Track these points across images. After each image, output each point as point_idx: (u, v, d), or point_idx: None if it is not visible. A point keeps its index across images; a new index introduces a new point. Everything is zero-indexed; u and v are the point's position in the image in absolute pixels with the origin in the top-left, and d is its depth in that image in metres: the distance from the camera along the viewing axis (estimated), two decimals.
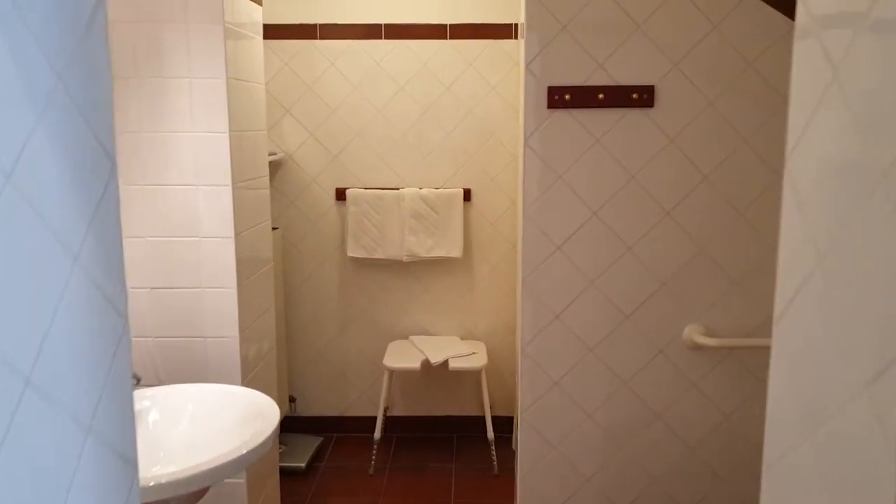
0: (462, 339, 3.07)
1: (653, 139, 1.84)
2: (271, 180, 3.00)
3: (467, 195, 2.98)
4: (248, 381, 1.96)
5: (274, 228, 2.94)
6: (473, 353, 2.87)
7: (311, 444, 3.06)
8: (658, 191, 1.86)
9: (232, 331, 1.89)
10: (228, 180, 1.83)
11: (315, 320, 3.11)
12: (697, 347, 1.93)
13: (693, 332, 1.92)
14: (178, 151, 1.83)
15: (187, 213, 1.85)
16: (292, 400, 3.15)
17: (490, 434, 2.82)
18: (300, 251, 3.06)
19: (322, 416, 3.18)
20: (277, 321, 2.90)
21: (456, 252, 2.95)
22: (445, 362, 2.79)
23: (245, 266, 1.95)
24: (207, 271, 1.87)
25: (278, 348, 2.94)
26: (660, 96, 1.82)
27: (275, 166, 2.99)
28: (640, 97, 1.82)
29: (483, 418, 2.92)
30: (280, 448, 2.95)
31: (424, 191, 2.93)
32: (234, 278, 1.87)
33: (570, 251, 1.88)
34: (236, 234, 1.88)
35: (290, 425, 3.15)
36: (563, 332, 1.92)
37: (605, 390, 1.95)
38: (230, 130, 1.83)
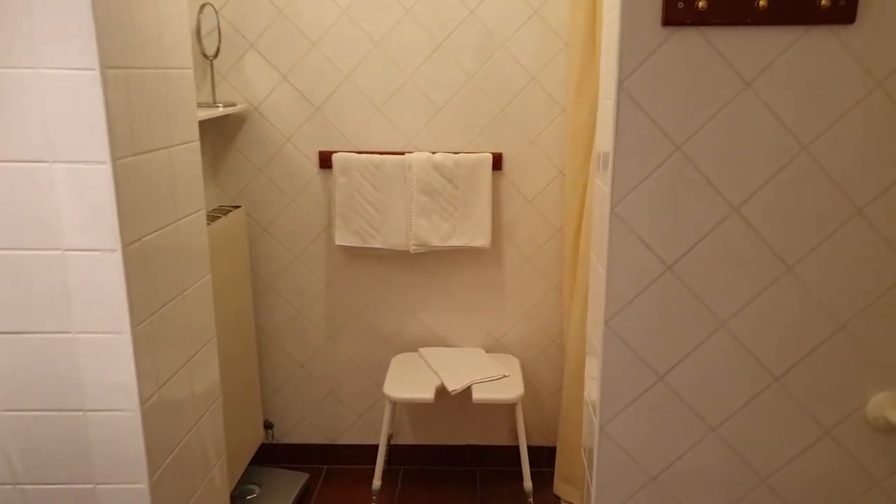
0: (488, 351, 2.33)
1: (847, 81, 1.04)
2: (230, 141, 2.22)
3: (497, 162, 2.19)
4: (159, 477, 1.23)
5: (234, 207, 2.17)
6: (504, 375, 2.13)
7: (294, 482, 2.36)
8: (847, 173, 1.07)
9: (126, 400, 1.15)
10: (105, 153, 1.06)
11: (295, 326, 2.37)
12: (890, 429, 1.18)
13: (885, 405, 1.17)
14: (15, 104, 1.05)
15: (38, 208, 1.09)
16: (268, 426, 2.44)
17: (527, 484, 2.11)
18: (273, 237, 2.30)
19: (307, 443, 2.48)
20: (243, 327, 2.16)
21: (481, 240, 2.18)
22: (467, 389, 2.06)
23: (149, 291, 1.20)
24: (80, 305, 1.12)
25: (247, 360, 2.21)
26: (869, 3, 1.01)
27: (234, 122, 2.20)
28: (831, 4, 1.01)
29: (515, 448, 2.21)
30: (252, 492, 2.25)
31: (439, 156, 2.14)
32: (124, 315, 1.12)
33: (687, 273, 1.11)
34: (126, 244, 1.12)
35: (267, 457, 2.45)
36: (671, 404, 1.17)
37: (733, 492, 1.21)
38: (103, 66, 1.05)
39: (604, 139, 1.15)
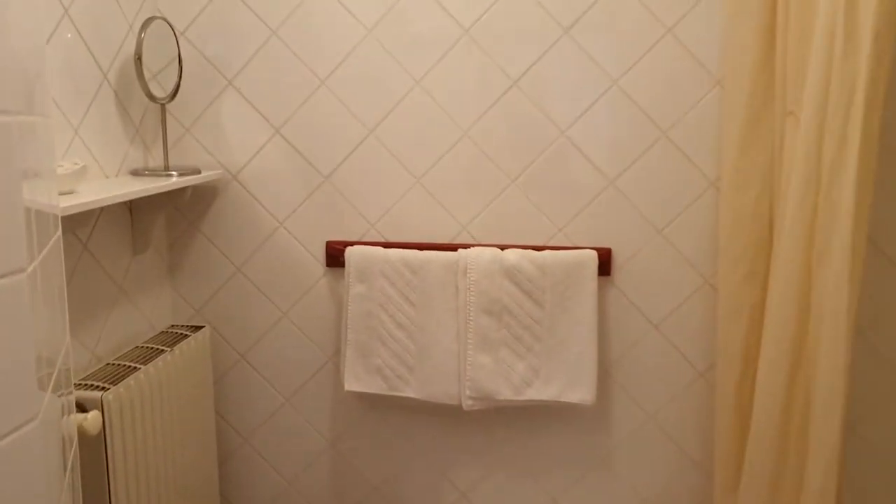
0: None
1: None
2: (194, 225, 1.45)
3: (604, 264, 1.38)
4: None
5: (195, 328, 1.40)
6: None
7: None
8: None
9: None
10: None
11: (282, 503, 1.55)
12: None
13: None
14: None
15: None
16: None
17: None
18: (253, 369, 1.51)
19: None
20: None
21: (581, 391, 1.34)
22: None
23: None
24: None
25: None
26: None
27: (201, 198, 1.46)
28: None
29: None
30: None
31: (512, 254, 1.34)
32: None
33: None
34: None
35: None
36: None
37: None
38: None
39: None
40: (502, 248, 1.36)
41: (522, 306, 1.34)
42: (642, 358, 1.43)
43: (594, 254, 1.36)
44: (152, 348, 1.28)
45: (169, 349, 1.27)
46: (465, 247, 1.37)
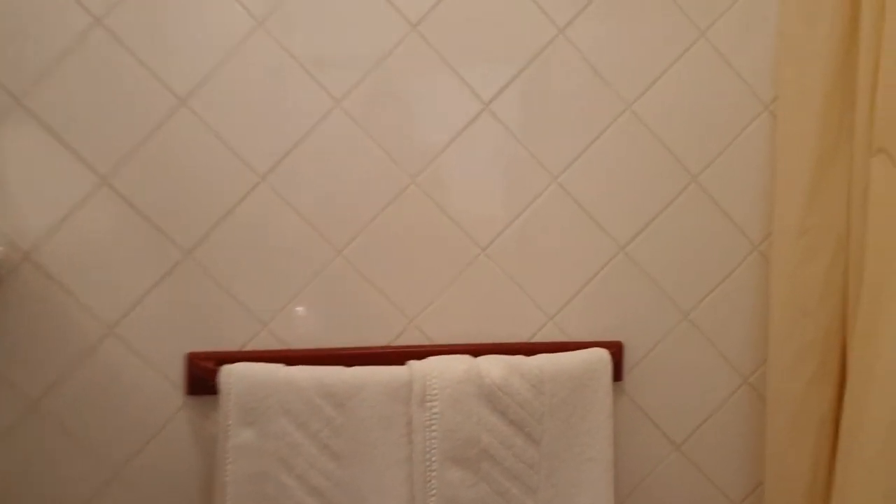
0: None
1: None
2: None
3: (618, 366, 0.94)
4: None
5: None
6: None
7: None
8: None
9: None
10: None
11: None
12: None
13: None
14: None
15: None
16: None
17: None
18: None
19: None
20: None
21: None
22: None
23: None
24: None
25: None
26: None
27: None
28: None
29: None
30: None
31: (497, 367, 0.86)
32: None
33: None
34: None
35: None
36: None
37: None
38: None
39: None
40: (474, 352, 0.89)
41: (511, 446, 0.86)
42: (661, 491, 0.99)
43: (606, 354, 0.92)
44: None
45: None
46: (418, 353, 0.89)
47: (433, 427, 0.83)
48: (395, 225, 0.91)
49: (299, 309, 0.90)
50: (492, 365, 0.86)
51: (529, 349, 0.91)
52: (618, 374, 0.95)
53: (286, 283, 0.90)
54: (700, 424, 1.00)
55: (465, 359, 0.86)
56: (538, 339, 0.94)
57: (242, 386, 0.83)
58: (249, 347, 0.90)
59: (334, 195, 0.90)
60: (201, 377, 0.88)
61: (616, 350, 0.95)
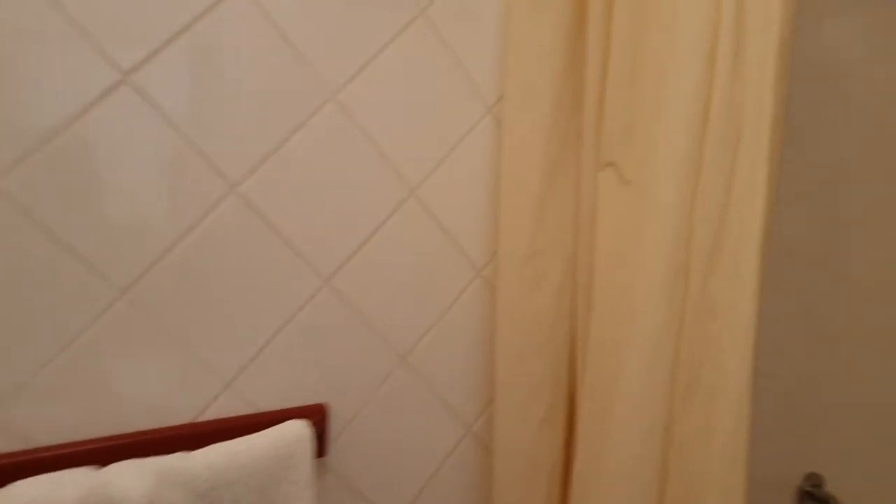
0: None
1: None
2: None
3: (322, 437, 0.72)
4: None
5: None
6: None
7: None
8: None
9: None
10: None
11: None
12: None
13: None
14: None
15: None
16: None
17: None
18: None
19: None
20: None
21: None
22: None
23: None
24: None
25: None
26: None
27: None
28: None
29: None
30: None
31: (135, 479, 0.56)
32: None
33: None
34: None
35: None
36: None
37: None
38: None
39: None
40: (105, 453, 0.58)
41: None
42: None
43: (305, 428, 0.68)
44: None
45: None
46: (7, 466, 0.54)
47: None
48: None
49: None
50: (131, 478, 0.56)
51: (196, 435, 0.63)
52: (322, 448, 0.73)
53: None
54: (422, 489, 0.83)
55: (85, 473, 0.55)
56: (210, 415, 0.67)
57: None
58: None
59: None
60: None
61: (319, 416, 0.72)
